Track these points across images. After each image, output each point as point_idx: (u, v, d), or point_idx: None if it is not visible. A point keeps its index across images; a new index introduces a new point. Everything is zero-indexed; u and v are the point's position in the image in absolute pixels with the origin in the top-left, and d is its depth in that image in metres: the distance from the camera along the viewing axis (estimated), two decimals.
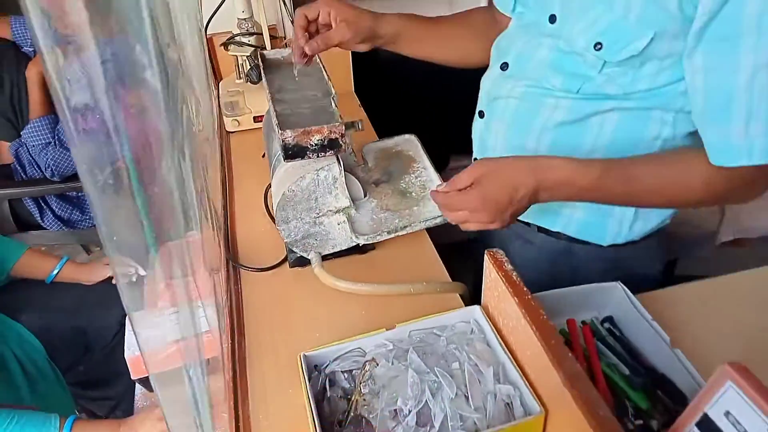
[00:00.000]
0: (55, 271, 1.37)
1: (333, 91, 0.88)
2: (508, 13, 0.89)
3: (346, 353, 0.78)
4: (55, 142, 1.68)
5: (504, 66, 0.87)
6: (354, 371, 0.76)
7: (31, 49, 1.83)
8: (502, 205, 0.74)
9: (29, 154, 1.76)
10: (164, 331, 1.16)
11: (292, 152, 0.81)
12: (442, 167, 1.91)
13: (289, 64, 1.01)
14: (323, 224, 0.90)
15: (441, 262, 1.00)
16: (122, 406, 1.44)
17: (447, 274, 0.98)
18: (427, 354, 0.76)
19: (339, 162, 0.86)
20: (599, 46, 0.74)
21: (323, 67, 0.96)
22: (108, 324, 1.37)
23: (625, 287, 0.84)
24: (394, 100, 1.82)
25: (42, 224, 1.80)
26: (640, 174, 0.74)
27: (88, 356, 1.43)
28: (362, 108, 1.49)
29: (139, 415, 1.03)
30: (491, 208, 0.74)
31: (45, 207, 1.79)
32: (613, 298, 0.86)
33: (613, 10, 0.72)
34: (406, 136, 1.06)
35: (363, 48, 0.95)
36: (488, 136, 0.92)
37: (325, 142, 0.81)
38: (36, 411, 1.00)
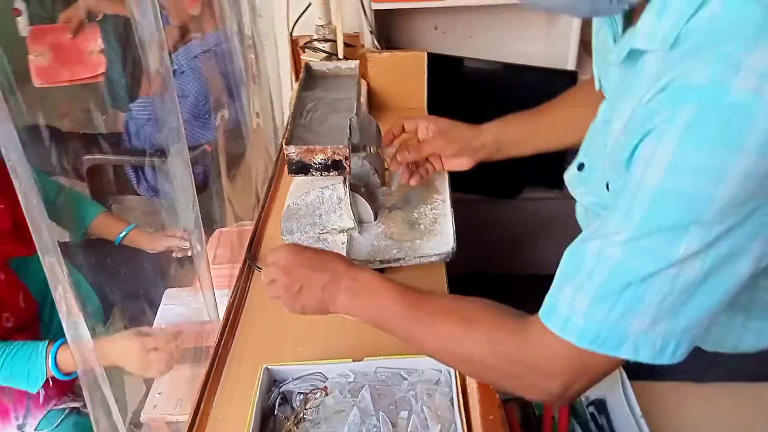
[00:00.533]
0: (123, 234, 1.48)
1: (354, 112, 0.88)
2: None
3: (307, 375, 0.78)
4: (154, 120, 1.85)
5: (581, 167, 0.79)
6: (308, 395, 0.76)
7: None
8: (298, 275, 0.70)
9: (136, 126, 1.94)
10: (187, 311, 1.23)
11: (296, 168, 0.82)
12: (513, 195, 1.82)
13: (332, 78, 1.02)
14: (327, 241, 0.91)
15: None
16: None
17: None
18: (381, 396, 0.74)
19: (345, 183, 0.86)
20: (608, 187, 0.66)
21: (358, 85, 0.96)
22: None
23: (623, 372, 0.76)
24: (473, 117, 1.78)
25: (138, 191, 1.99)
26: (435, 301, 0.66)
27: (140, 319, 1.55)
28: None
29: (120, 333, 1.10)
30: (285, 276, 0.70)
31: (141, 176, 1.97)
32: (612, 380, 0.78)
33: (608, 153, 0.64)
34: None
35: (464, 164, 0.93)
36: (585, 226, 0.84)
37: (329, 163, 0.81)
38: (26, 341, 1.09)
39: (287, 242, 0.91)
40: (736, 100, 0.44)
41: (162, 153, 1.88)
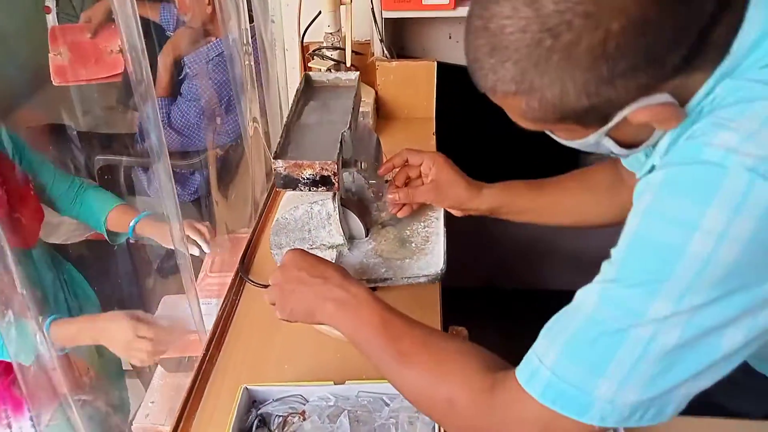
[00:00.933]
0: (133, 222, 1.44)
1: (347, 127, 0.85)
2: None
3: (287, 396, 0.76)
4: (165, 122, 1.85)
5: None
6: (287, 419, 0.74)
7: (172, 34, 2.03)
8: (294, 276, 0.69)
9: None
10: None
11: (283, 182, 0.80)
12: None
13: (331, 89, 1.00)
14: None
15: (439, 313, 0.93)
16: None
17: (440, 327, 0.91)
18: (360, 422, 0.71)
19: (334, 199, 0.84)
20: None
21: (356, 98, 0.93)
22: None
23: None
24: (484, 129, 1.74)
25: (148, 192, 1.99)
26: (413, 337, 0.62)
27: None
28: (436, 136, 1.43)
29: (110, 312, 1.10)
30: (280, 280, 0.70)
31: (153, 178, 1.98)
32: None
33: None
34: None
35: (456, 213, 0.91)
36: None
37: (317, 178, 0.79)
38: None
39: (276, 256, 0.89)
40: (710, 157, 0.45)
41: (173, 155, 1.89)
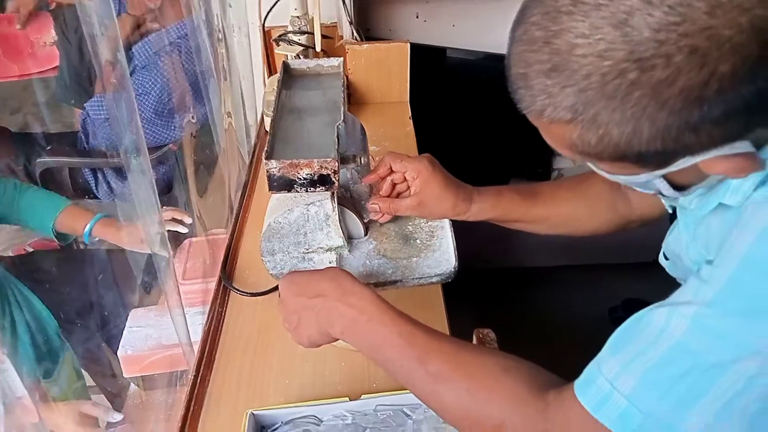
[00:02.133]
0: (89, 226, 1.31)
1: (341, 119, 0.78)
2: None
3: (298, 418, 0.70)
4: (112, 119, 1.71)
5: (666, 257, 0.69)
6: None
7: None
8: (294, 306, 0.63)
9: (93, 125, 1.80)
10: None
11: (278, 184, 0.72)
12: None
13: (313, 77, 0.93)
14: (313, 261, 0.82)
15: (445, 315, 0.88)
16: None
17: (448, 328, 0.87)
18: None
19: (333, 199, 0.77)
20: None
21: (344, 86, 0.86)
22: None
23: None
24: (457, 110, 1.70)
25: (96, 194, 1.85)
26: (443, 353, 0.55)
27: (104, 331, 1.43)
28: (412, 120, 1.38)
29: (65, 406, 1.05)
30: (284, 310, 0.65)
31: (101, 178, 1.84)
32: None
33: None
34: None
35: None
36: None
37: (315, 177, 0.72)
38: None
39: (268, 264, 0.82)
40: None
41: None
